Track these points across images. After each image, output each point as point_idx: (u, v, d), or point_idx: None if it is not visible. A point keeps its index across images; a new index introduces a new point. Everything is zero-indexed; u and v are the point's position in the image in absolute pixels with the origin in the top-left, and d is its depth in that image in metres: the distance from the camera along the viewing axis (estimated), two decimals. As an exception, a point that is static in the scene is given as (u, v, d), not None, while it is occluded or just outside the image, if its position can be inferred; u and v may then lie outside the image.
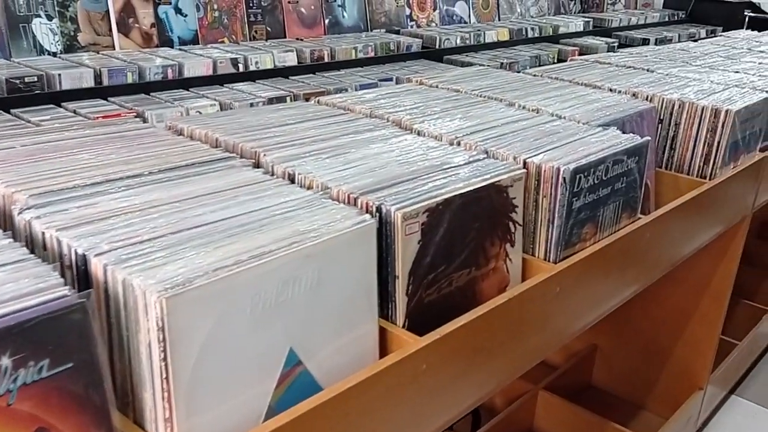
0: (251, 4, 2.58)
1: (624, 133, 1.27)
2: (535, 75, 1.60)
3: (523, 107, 1.28)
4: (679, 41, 4.34)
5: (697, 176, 1.42)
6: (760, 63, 2.03)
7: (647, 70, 1.74)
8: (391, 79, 2.51)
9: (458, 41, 3.13)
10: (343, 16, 2.94)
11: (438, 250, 0.81)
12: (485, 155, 0.99)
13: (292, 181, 0.84)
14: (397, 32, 3.15)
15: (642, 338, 1.88)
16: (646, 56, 2.00)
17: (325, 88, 2.27)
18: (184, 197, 0.74)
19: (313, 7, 2.81)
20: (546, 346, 1.01)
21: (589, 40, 3.76)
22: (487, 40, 3.30)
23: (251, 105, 1.99)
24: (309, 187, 0.82)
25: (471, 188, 0.85)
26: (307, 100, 2.18)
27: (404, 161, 0.91)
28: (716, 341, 1.80)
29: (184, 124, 1.00)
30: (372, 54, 2.71)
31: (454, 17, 3.55)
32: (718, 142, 1.39)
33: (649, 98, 1.45)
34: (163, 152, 0.87)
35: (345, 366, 0.71)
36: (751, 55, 2.19)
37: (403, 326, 0.79)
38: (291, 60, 2.43)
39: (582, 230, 1.02)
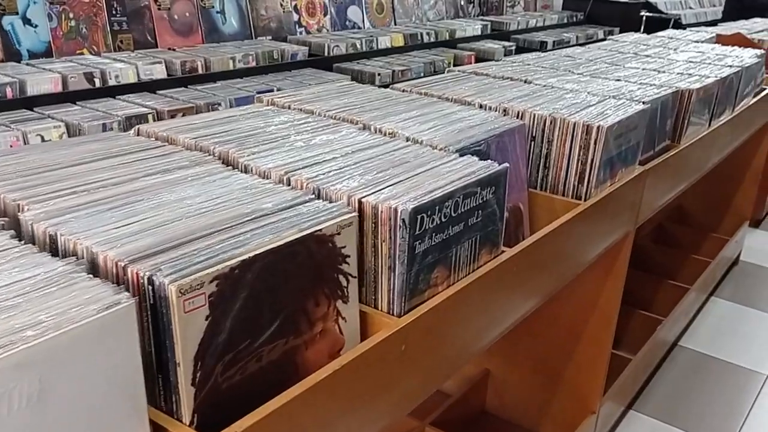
0: (114, 11, 2.37)
1: (489, 156, 1.17)
2: (403, 90, 1.48)
3: (379, 131, 1.15)
4: (577, 42, 4.37)
5: (572, 197, 1.33)
6: (643, 69, 1.99)
7: (525, 81, 1.65)
8: (271, 90, 2.35)
9: (349, 48, 3.00)
10: (223, 23, 2.76)
11: (238, 323, 0.67)
12: (314, 196, 0.85)
13: (54, 246, 0.68)
14: (285, 39, 3.00)
15: (533, 361, 1.80)
16: (529, 64, 1.92)
17: (194, 104, 2.09)
18: None
19: (188, 14, 2.61)
20: (394, 409, 0.88)
21: (487, 45, 3.71)
22: (380, 46, 3.19)
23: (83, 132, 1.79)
24: (73, 254, 0.66)
25: (281, 243, 0.71)
26: (173, 116, 2.00)
27: (208, 210, 0.76)
28: (607, 361, 1.73)
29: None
30: (253, 64, 2.55)
31: (347, 23, 3.42)
32: (592, 160, 1.30)
33: (520, 114, 1.35)
34: None
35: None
36: (636, 60, 2.15)
37: (191, 423, 0.64)
38: (159, 72, 2.24)
39: (431, 275, 0.90)
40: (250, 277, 0.67)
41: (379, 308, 0.87)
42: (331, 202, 0.84)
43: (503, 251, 1.06)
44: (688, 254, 2.68)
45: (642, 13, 5.51)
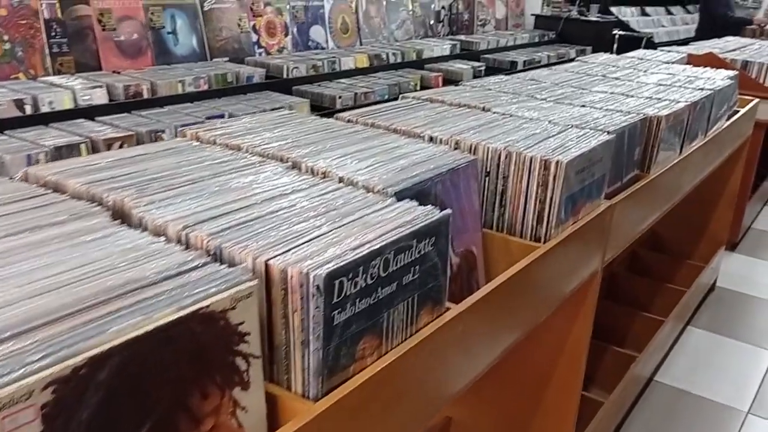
0: (54, 33, 2.22)
1: (435, 197, 1.05)
2: (348, 120, 1.36)
3: (310, 170, 1.02)
4: (549, 62, 4.29)
5: (530, 238, 1.20)
6: (611, 93, 1.89)
7: (483, 109, 1.54)
8: (222, 116, 2.22)
9: (309, 70, 2.88)
10: (175, 44, 2.62)
11: (88, 434, 0.53)
12: (209, 258, 0.71)
13: None
14: (242, 61, 2.87)
15: (499, 407, 1.67)
16: (490, 89, 1.80)
17: (134, 131, 1.94)
18: None
19: (136, 35, 2.48)
20: None
21: (456, 65, 3.61)
22: (343, 68, 3.07)
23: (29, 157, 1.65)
24: None
25: (149, 329, 0.57)
26: (109, 147, 1.85)
27: (66, 284, 0.62)
28: (576, 405, 1.61)
29: None
30: (205, 87, 2.41)
31: (310, 43, 3.30)
32: (551, 198, 1.18)
33: (472, 148, 1.23)
34: None
35: None
36: (603, 83, 2.05)
37: None
38: (99, 97, 2.09)
39: (356, 347, 0.77)
40: (105, 377, 0.54)
41: (293, 390, 0.73)
42: (231, 265, 0.70)
43: (448, 308, 0.93)
44: (663, 283, 2.57)
45: (614, 32, 5.48)
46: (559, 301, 1.28)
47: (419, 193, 1.00)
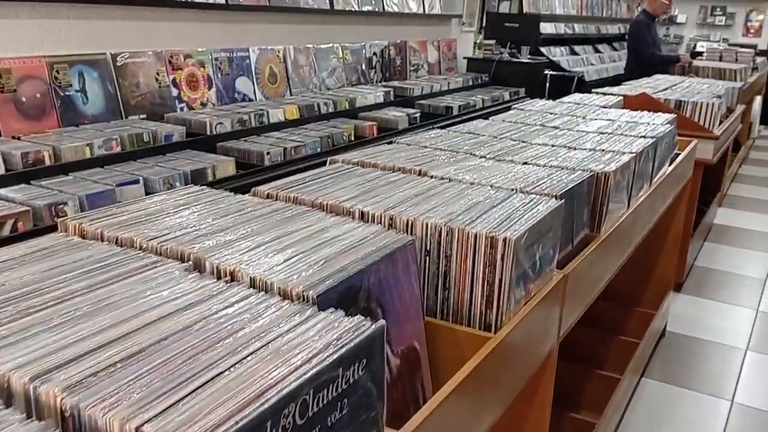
0: (-59, 98, 1.99)
1: (368, 293, 0.89)
2: (267, 195, 1.19)
3: (215, 270, 0.85)
4: (483, 106, 4.24)
5: (479, 326, 1.05)
6: (552, 145, 1.78)
7: (419, 173, 1.40)
8: (136, 181, 2.02)
9: (235, 125, 2.71)
10: (84, 103, 2.42)
11: None
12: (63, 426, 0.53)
13: None
14: (161, 118, 2.68)
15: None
16: (425, 146, 1.67)
17: (31, 206, 1.73)
18: None
19: (38, 95, 2.26)
20: None
21: (390, 113, 3.50)
22: (272, 120, 2.92)
23: None
24: None
25: None
26: (0, 224, 1.63)
27: None
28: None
29: None
30: (118, 149, 2.21)
31: (236, 95, 3.14)
32: (501, 280, 1.03)
33: (410, 225, 1.08)
34: None
35: None
36: (543, 133, 1.95)
37: None
38: (-7, 168, 1.87)
39: None
40: None
41: None
42: (90, 437, 0.52)
43: (388, 438, 0.76)
44: (615, 335, 2.47)
45: (546, 72, 5.51)
46: (515, 392, 1.13)
47: (348, 291, 0.84)
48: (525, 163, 1.56)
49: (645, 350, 2.47)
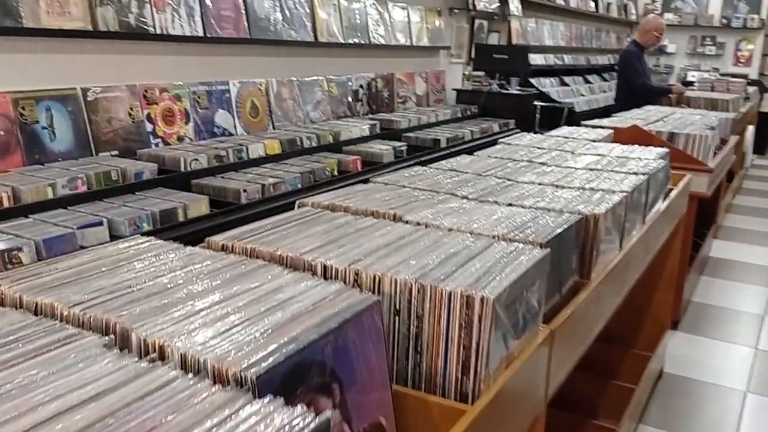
0: None
1: (323, 366, 0.77)
2: (223, 247, 1.08)
3: (142, 345, 0.73)
4: (472, 138, 4.16)
5: (455, 395, 0.93)
6: (539, 184, 1.68)
7: (393, 218, 1.29)
8: (100, 223, 1.90)
9: (212, 161, 2.60)
10: (52, 140, 2.31)
11: None
12: None
13: None
14: (134, 154, 2.57)
15: None
16: (404, 186, 1.57)
17: (-19, 253, 1.61)
18: None
19: (2, 132, 2.15)
20: None
21: (376, 146, 3.41)
22: (252, 156, 2.81)
23: None
24: None
25: None
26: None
27: None
28: None
29: None
30: (84, 189, 2.10)
31: (216, 129, 3.04)
32: (478, 343, 0.92)
33: (377, 281, 0.96)
34: None
35: None
36: (530, 170, 1.85)
37: None
38: (-56, 211, 1.75)
39: None
40: None
41: None
42: None
43: None
44: (611, 380, 2.34)
45: (535, 103, 5.45)
46: (496, 467, 1.01)
47: (297, 368, 0.73)
48: (510, 205, 1.45)
49: (642, 395, 2.35)
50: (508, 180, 1.72)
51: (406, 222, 1.27)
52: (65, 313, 0.79)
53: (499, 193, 1.56)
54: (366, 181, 1.64)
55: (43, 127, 2.29)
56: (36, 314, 0.80)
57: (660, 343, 2.63)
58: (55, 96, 2.34)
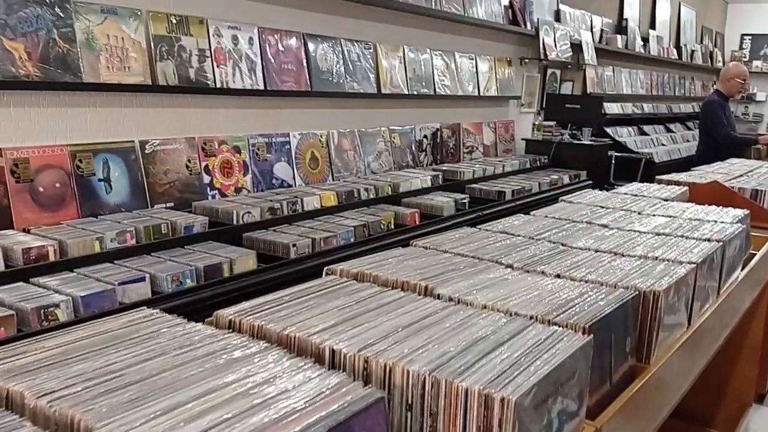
0: (-48, 189, 1.94)
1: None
2: (230, 325, 1.00)
3: (100, 446, 0.65)
4: (540, 190, 4.00)
5: None
6: (596, 251, 1.54)
7: (424, 291, 1.18)
8: (142, 279, 1.88)
9: (265, 213, 2.58)
10: (107, 192, 2.33)
11: None
12: None
13: None
14: (189, 206, 2.58)
15: None
16: (445, 251, 1.46)
17: (19, 308, 1.60)
18: None
19: (58, 185, 2.19)
20: None
21: (436, 198, 3.32)
22: (306, 208, 2.77)
23: None
24: None
25: None
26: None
27: None
28: None
29: None
30: (133, 242, 2.09)
31: (274, 181, 3.03)
32: (499, 452, 0.79)
33: (386, 371, 0.86)
34: None
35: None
36: (588, 233, 1.71)
37: None
38: (-9, 264, 1.77)
39: None
40: None
41: None
42: None
43: None
44: (684, 465, 2.11)
45: (610, 154, 5.25)
46: None
47: (269, 484, 0.63)
48: (558, 276, 1.32)
49: (720, 485, 2.11)
50: (562, 245, 1.58)
51: (437, 296, 1.16)
52: (31, 405, 0.72)
53: (548, 261, 1.43)
54: (424, 235, 1.55)
55: (100, 180, 2.32)
56: (6, 403, 0.74)
57: (742, 421, 2.37)
58: (112, 149, 2.37)
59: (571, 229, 1.77)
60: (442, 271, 1.30)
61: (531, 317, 1.06)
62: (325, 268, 1.32)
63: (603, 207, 2.11)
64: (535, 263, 1.41)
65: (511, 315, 1.06)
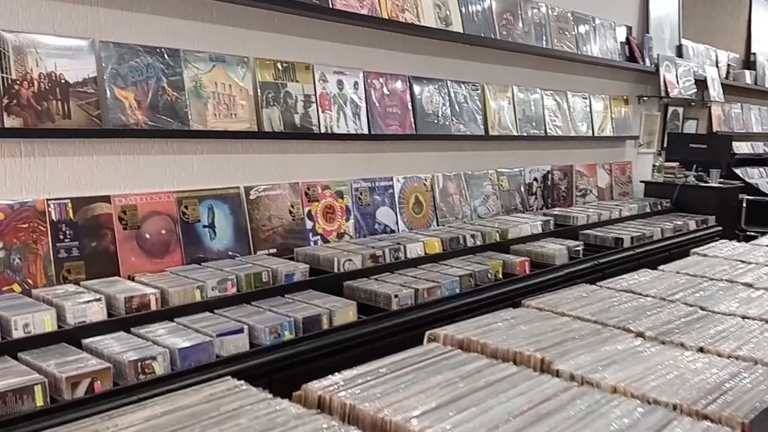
0: (63, 236, 1.97)
1: None
2: (319, 403, 0.89)
3: None
4: (663, 236, 3.70)
5: None
6: (743, 317, 1.32)
7: (540, 365, 1.03)
8: (240, 330, 1.82)
9: (366, 261, 2.48)
10: (212, 238, 2.32)
11: None
12: None
13: None
14: (291, 252, 2.53)
15: None
16: (563, 314, 1.30)
17: (115, 361, 1.57)
18: None
19: (164, 231, 2.20)
20: None
21: (548, 245, 3.11)
22: (409, 255, 2.66)
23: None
24: None
25: None
26: (74, 387, 1.47)
27: None
28: None
29: None
30: (233, 291, 2.05)
31: (377, 226, 2.94)
32: None
33: (497, 476, 0.71)
34: None
35: None
36: (730, 295, 1.49)
37: None
38: (96, 313, 1.77)
39: None
40: None
41: None
42: None
43: None
44: None
45: (741, 197, 4.82)
46: None
47: None
48: (701, 350, 1.13)
49: None
50: (701, 309, 1.38)
51: (556, 372, 1.00)
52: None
53: (686, 329, 1.23)
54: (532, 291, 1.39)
55: (204, 226, 2.31)
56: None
57: None
58: (218, 195, 2.37)
59: (710, 289, 1.55)
60: (560, 340, 1.14)
61: (674, 407, 0.88)
62: (427, 334, 1.19)
63: (744, 262, 1.86)
64: (671, 332, 1.22)
65: (649, 403, 0.89)
